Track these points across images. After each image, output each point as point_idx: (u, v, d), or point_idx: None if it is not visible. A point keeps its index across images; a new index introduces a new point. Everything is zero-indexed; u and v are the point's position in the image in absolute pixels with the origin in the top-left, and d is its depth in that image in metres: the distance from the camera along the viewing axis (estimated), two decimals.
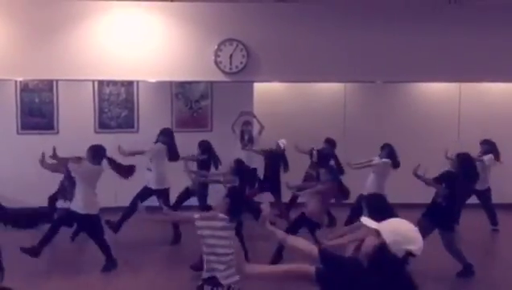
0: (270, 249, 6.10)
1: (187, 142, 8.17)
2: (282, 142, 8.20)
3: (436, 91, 9.56)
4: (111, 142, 8.64)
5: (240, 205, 4.12)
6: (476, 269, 6.16)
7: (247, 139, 8.73)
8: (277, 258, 6.06)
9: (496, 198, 8.56)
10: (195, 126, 9.34)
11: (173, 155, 7.45)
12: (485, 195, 8.20)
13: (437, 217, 6.15)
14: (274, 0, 7.05)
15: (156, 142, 7.50)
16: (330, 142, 8.29)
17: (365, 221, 2.53)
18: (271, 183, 8.17)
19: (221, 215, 4.01)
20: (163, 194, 7.10)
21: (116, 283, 6.02)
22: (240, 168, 6.55)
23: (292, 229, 5.84)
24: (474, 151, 8.21)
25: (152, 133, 8.59)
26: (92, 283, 5.96)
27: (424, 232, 6.15)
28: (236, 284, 3.97)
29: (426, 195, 6.55)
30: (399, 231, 2.39)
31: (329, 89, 9.53)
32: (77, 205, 6.15)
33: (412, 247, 2.34)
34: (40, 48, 6.81)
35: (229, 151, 8.28)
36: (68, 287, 5.90)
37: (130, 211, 7.16)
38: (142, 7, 6.91)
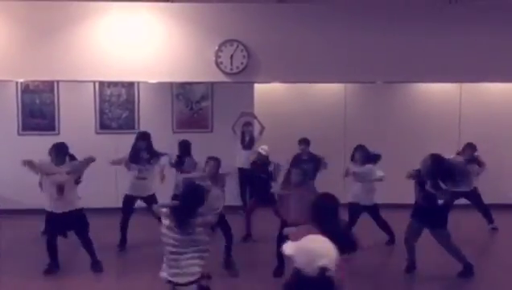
0: (270, 250, 6.11)
1: None
2: (263, 149, 7.82)
3: (437, 91, 9.56)
4: (112, 143, 8.69)
5: (183, 213, 3.97)
6: (474, 270, 6.16)
7: (248, 140, 8.74)
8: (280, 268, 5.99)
9: (497, 199, 8.56)
10: (195, 127, 9.35)
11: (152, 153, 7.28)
12: (472, 195, 8.07)
13: (423, 217, 6.10)
14: (275, 1, 7.06)
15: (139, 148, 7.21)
16: (304, 142, 8.14)
17: (284, 247, 2.56)
18: (262, 193, 7.92)
19: (166, 215, 4.06)
20: (151, 200, 7.08)
21: (116, 284, 6.03)
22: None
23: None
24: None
25: (153, 134, 8.60)
26: (91, 284, 5.98)
27: (415, 233, 6.19)
28: (186, 287, 3.95)
29: None
30: (308, 250, 2.41)
31: (330, 90, 9.54)
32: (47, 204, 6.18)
33: (323, 262, 2.35)
34: (41, 49, 6.82)
35: (230, 152, 8.29)
36: (68, 287, 5.92)
37: (125, 225, 7.16)
38: (143, 8, 6.92)
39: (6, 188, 8.70)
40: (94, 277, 6.12)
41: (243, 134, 8.75)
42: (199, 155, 7.76)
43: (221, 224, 6.21)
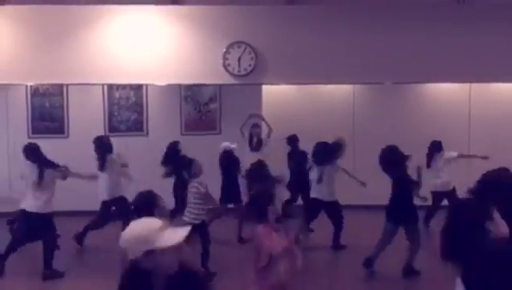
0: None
1: (196, 145, 8.21)
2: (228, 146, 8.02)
3: (446, 91, 9.50)
4: (121, 145, 8.72)
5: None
6: None
7: (256, 142, 8.73)
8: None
9: None
10: (203, 129, 9.37)
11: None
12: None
13: (396, 215, 6.23)
14: (283, 2, 7.05)
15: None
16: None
17: None
18: (231, 191, 7.94)
19: None
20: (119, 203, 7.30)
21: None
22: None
23: None
24: (484, 151, 8.16)
25: (161, 136, 8.63)
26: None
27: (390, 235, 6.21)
28: None
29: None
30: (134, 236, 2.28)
31: (338, 90, 9.52)
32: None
33: (155, 245, 2.23)
34: (50, 53, 6.87)
35: (238, 153, 8.28)
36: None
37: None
38: (151, 11, 6.94)
39: (18, 190, 8.75)
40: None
41: (251, 135, 8.74)
42: (207, 156, 7.78)
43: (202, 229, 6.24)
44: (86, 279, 6.13)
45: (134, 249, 2.24)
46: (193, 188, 6.20)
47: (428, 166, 7.91)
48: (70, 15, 6.88)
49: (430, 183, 7.69)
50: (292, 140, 8.74)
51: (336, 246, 7.35)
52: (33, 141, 8.91)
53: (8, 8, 6.78)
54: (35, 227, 6.19)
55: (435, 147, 8.15)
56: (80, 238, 7.31)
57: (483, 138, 8.82)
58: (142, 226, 2.34)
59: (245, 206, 5.35)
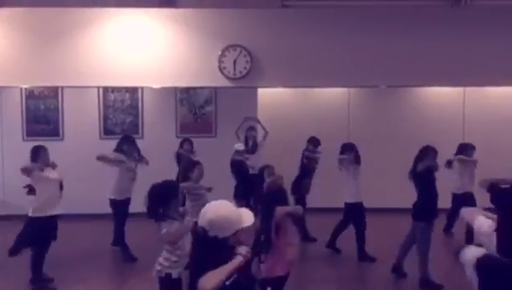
0: None
1: None
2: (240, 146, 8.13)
3: (440, 94, 9.55)
4: None
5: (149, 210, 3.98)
6: None
7: (251, 145, 8.74)
8: None
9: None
10: (199, 132, 9.38)
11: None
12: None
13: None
14: (278, 6, 7.07)
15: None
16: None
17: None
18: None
19: None
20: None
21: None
22: None
23: None
24: (479, 153, 8.20)
25: (157, 139, 8.63)
26: None
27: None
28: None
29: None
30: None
31: (333, 94, 9.55)
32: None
33: (241, 225, 2.47)
34: (45, 55, 6.86)
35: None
36: None
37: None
38: (147, 14, 6.95)
39: (12, 194, 8.73)
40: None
41: (247, 138, 8.75)
42: (203, 159, 7.77)
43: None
44: (84, 284, 6.14)
45: (224, 230, 2.43)
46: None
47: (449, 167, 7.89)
48: (65, 18, 6.87)
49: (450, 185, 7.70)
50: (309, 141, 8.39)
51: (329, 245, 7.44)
52: (28, 144, 8.91)
53: (3, 10, 6.77)
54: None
55: (458, 149, 8.08)
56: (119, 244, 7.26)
57: (477, 141, 8.84)
58: (228, 209, 2.51)
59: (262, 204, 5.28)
